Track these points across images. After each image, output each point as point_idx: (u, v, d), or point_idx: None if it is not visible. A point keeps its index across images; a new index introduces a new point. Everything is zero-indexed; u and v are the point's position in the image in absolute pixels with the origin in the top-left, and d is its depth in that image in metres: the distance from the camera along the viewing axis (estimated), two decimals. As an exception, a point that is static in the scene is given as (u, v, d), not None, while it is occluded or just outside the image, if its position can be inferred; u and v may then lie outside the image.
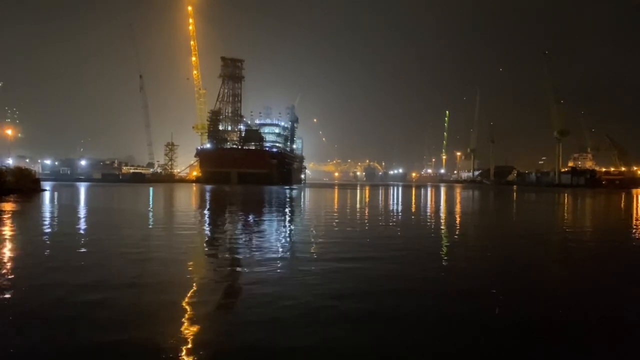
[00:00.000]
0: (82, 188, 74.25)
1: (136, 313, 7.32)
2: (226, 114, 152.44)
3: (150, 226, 22.01)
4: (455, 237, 19.09)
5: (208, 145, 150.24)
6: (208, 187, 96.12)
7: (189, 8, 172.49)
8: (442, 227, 22.39)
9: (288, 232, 19.50)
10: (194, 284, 9.56)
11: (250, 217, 26.44)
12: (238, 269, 11.37)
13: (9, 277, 9.68)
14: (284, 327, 6.81)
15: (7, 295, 8.20)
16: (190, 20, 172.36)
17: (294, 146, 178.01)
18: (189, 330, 6.63)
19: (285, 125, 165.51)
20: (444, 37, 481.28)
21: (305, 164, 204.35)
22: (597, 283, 10.55)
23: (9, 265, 10.98)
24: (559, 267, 12.80)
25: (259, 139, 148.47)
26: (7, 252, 12.94)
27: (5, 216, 23.49)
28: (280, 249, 14.36)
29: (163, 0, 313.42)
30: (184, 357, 5.71)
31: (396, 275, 10.56)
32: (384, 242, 16.56)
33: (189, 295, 8.56)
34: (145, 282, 9.52)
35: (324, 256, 13.04)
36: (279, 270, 10.90)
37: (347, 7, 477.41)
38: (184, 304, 7.91)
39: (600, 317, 7.73)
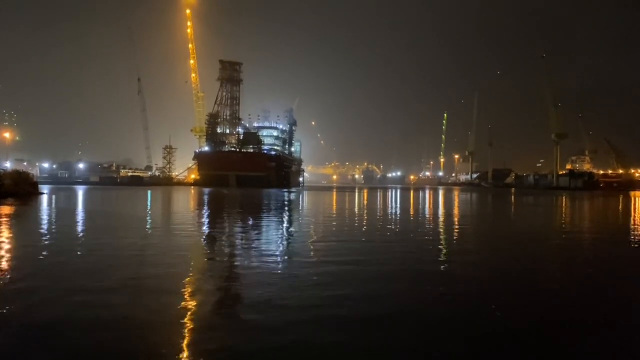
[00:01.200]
0: (80, 191, 74.12)
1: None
2: (224, 117, 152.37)
3: (149, 230, 21.97)
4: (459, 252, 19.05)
5: (206, 148, 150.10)
6: (206, 190, 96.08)
7: (187, 11, 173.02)
8: (443, 246, 22.34)
9: (285, 241, 19.44)
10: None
11: (249, 222, 26.42)
12: (236, 275, 11.40)
13: None
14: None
15: None
16: (189, 24, 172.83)
17: (292, 149, 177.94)
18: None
19: (284, 128, 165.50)
20: (442, 40, 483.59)
21: (303, 166, 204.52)
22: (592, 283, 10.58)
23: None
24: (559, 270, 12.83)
25: (257, 141, 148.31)
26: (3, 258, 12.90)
27: (3, 220, 23.43)
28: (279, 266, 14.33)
29: (161, 3, 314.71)
30: None
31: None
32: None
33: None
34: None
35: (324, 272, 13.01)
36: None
37: (346, 10, 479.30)
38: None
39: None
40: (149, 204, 46.09)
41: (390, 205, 45.61)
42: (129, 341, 6.31)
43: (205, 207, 40.77)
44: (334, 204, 47.40)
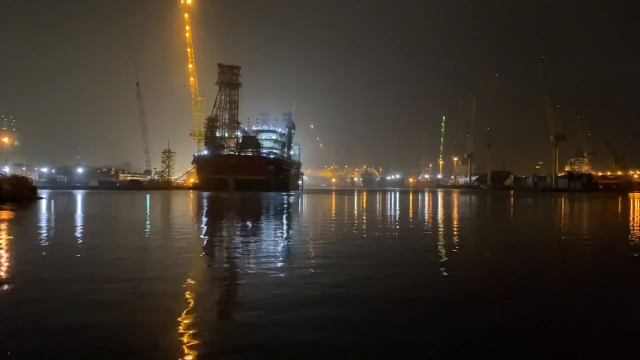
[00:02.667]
0: (79, 196, 74.04)
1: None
2: (223, 121, 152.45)
3: (148, 238, 21.93)
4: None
5: (205, 152, 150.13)
6: (205, 194, 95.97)
7: (186, 15, 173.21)
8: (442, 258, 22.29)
9: (285, 247, 19.43)
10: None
11: (248, 225, 26.39)
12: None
13: None
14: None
15: None
16: (187, 28, 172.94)
17: (291, 152, 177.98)
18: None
19: (282, 132, 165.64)
20: (441, 42, 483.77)
21: (302, 170, 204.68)
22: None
23: None
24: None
25: (256, 145, 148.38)
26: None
27: (1, 225, 23.36)
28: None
29: (160, 7, 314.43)
30: None
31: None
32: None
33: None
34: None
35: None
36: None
37: (344, 13, 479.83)
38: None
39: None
40: (147, 208, 46.02)
41: (389, 209, 45.58)
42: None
43: (204, 212, 40.73)
44: (333, 208, 47.38)
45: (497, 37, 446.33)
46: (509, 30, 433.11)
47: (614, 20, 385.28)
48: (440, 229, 24.88)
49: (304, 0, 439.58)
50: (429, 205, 54.35)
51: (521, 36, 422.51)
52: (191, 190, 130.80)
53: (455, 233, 22.89)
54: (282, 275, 11.52)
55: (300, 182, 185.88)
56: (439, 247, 17.78)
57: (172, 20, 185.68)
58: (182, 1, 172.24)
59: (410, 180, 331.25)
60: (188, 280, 10.88)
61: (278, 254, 15.12)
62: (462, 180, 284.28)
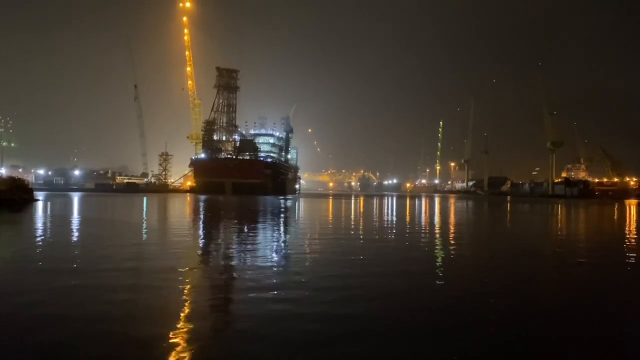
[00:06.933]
0: (76, 198, 73.76)
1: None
2: (221, 124, 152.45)
3: (144, 242, 21.83)
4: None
5: (202, 155, 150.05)
6: (202, 197, 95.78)
7: (185, 18, 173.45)
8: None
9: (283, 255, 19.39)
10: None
11: (245, 229, 26.37)
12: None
13: None
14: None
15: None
16: (186, 31, 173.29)
17: (289, 156, 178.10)
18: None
19: (280, 136, 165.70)
20: (439, 48, 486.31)
21: (299, 174, 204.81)
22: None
23: None
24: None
25: (254, 149, 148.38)
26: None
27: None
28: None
29: (159, 10, 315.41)
30: None
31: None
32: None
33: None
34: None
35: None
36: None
37: (344, 17, 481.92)
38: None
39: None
40: (144, 212, 45.90)
41: (386, 214, 45.58)
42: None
43: (201, 217, 40.66)
44: (330, 213, 47.35)
45: (495, 44, 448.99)
46: (508, 36, 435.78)
47: (612, 27, 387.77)
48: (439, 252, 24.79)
49: (304, 5, 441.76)
50: (425, 212, 54.29)
51: (519, 42, 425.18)
52: (188, 193, 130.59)
53: (453, 248, 22.84)
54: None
55: (297, 186, 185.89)
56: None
57: (171, 23, 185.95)
58: (181, 4, 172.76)
59: (408, 185, 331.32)
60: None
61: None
62: (459, 185, 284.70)
